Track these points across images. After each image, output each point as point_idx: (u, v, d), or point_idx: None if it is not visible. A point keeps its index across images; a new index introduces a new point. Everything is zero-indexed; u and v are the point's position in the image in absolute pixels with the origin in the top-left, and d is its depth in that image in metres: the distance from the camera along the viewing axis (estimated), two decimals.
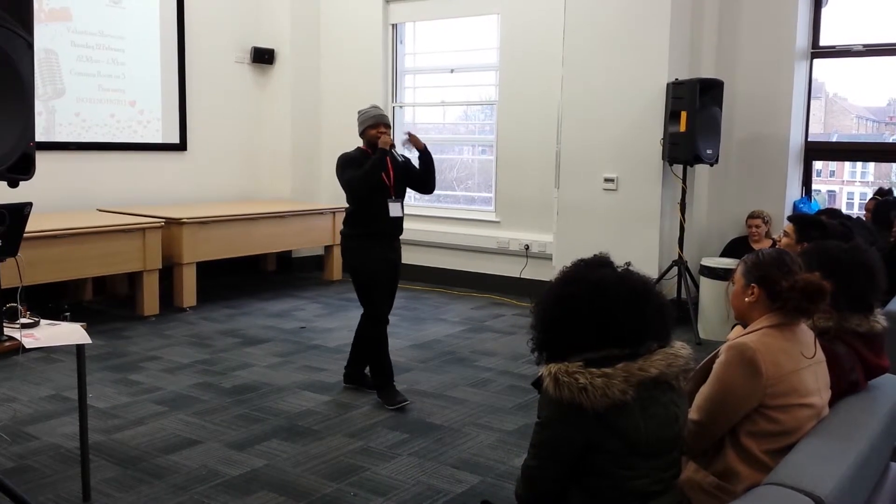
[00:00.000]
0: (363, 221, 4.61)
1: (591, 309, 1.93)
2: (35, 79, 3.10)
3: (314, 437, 4.11)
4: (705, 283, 6.23)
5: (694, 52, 6.72)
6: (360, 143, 4.68)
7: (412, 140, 4.70)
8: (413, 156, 4.80)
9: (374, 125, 4.59)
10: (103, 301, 7.12)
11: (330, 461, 3.80)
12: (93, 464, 3.52)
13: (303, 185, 8.70)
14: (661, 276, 6.37)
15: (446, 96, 8.59)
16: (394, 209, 4.62)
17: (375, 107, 4.74)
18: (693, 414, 2.27)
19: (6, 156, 2.91)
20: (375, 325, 4.65)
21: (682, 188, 6.42)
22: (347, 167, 4.55)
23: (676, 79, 6.33)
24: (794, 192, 6.87)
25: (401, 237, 4.75)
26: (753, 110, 6.75)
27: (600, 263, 2.04)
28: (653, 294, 1.99)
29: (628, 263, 2.05)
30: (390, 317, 6.82)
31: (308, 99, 8.77)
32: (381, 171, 4.53)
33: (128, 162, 7.66)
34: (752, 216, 6.52)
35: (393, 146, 4.60)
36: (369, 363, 4.72)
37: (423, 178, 4.75)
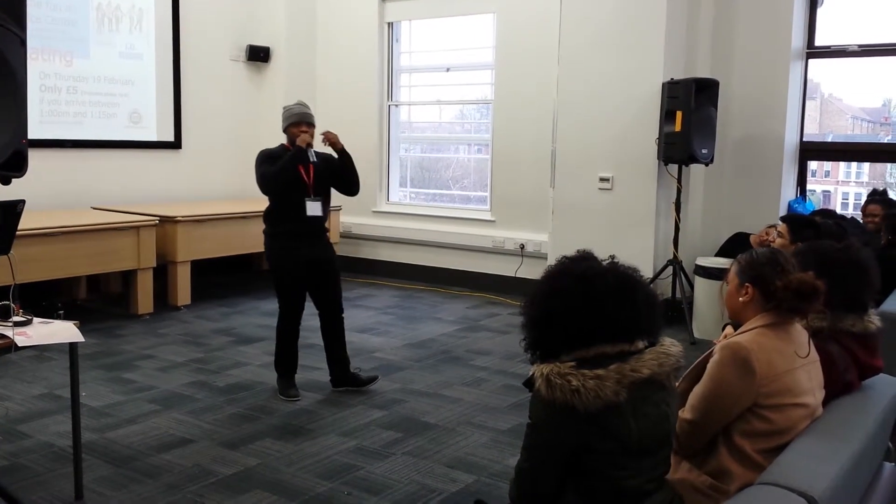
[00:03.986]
0: (282, 220, 4.63)
1: (581, 300, 1.92)
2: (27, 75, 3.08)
3: (308, 436, 4.10)
4: (700, 283, 6.23)
5: (689, 52, 6.73)
6: (283, 139, 4.71)
7: (329, 138, 4.61)
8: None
9: (296, 123, 4.61)
10: (97, 299, 7.10)
11: (323, 460, 3.79)
12: (85, 462, 3.50)
13: None
14: (656, 276, 6.37)
15: (442, 95, 8.58)
16: (312, 208, 4.61)
17: (301, 104, 4.73)
18: (687, 413, 2.27)
19: None
20: (289, 322, 4.72)
21: (678, 188, 6.42)
22: (264, 162, 4.58)
23: (672, 78, 6.33)
24: (788, 192, 6.88)
25: (328, 234, 4.84)
26: (749, 110, 6.77)
27: (584, 258, 2.04)
28: (640, 283, 1.99)
29: (612, 257, 2.04)
30: (384, 315, 6.83)
31: (303, 97, 8.57)
32: (293, 169, 4.54)
33: (122, 160, 7.64)
34: (771, 225, 6.48)
35: (310, 146, 4.60)
36: (275, 352, 4.79)
37: (344, 178, 4.74)
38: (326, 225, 4.83)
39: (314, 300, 4.78)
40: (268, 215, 4.70)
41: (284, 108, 4.74)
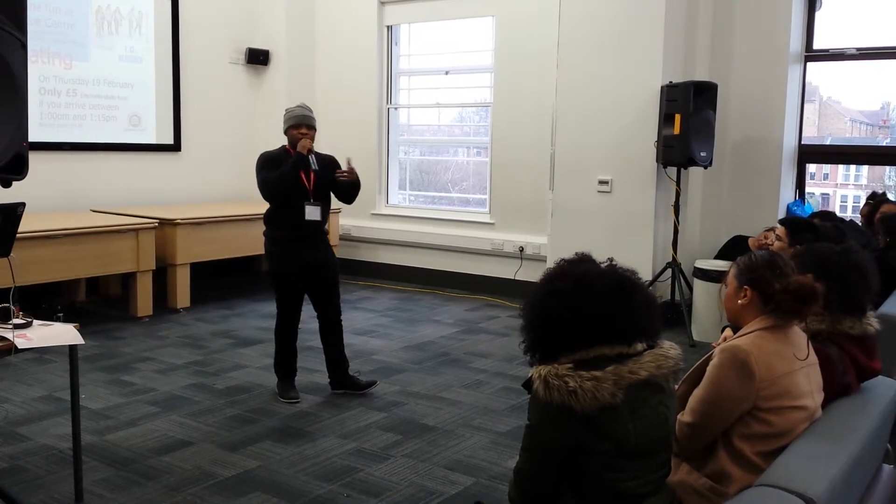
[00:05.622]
0: (281, 223, 4.63)
1: (579, 302, 1.93)
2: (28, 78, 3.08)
3: (307, 438, 4.10)
4: (699, 286, 6.24)
5: (688, 55, 6.74)
6: (285, 140, 4.71)
7: (350, 173, 4.63)
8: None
9: (297, 126, 4.60)
10: (96, 302, 7.11)
11: (323, 462, 3.80)
12: (85, 465, 3.50)
13: None
14: (655, 278, 6.38)
15: (441, 98, 8.59)
16: (311, 212, 4.61)
17: (302, 106, 4.73)
18: (686, 416, 2.27)
19: None
20: (287, 325, 4.73)
21: (676, 191, 6.43)
22: (265, 167, 4.57)
23: (670, 81, 6.34)
24: (787, 194, 6.89)
25: (328, 237, 4.84)
26: (747, 113, 6.78)
27: (583, 260, 2.05)
28: (638, 286, 2.00)
29: (611, 259, 2.05)
30: (383, 317, 6.84)
31: (303, 100, 8.67)
32: (296, 175, 4.54)
33: (122, 162, 7.64)
34: (769, 229, 6.50)
35: (311, 151, 4.58)
36: (274, 355, 4.80)
37: (345, 193, 4.77)
38: (326, 228, 4.83)
39: (313, 303, 4.79)
40: (268, 218, 4.71)
41: (286, 110, 4.74)
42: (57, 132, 7.12)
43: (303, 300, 4.76)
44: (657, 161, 6.43)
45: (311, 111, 4.72)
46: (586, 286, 1.94)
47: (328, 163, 4.73)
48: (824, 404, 2.33)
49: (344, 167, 4.68)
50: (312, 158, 4.61)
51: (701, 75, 6.66)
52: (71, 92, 7.22)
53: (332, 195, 4.81)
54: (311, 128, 4.65)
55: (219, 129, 8.42)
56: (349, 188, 4.73)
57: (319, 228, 4.72)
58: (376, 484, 3.57)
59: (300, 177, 4.58)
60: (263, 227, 4.74)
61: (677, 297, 6.36)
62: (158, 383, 4.95)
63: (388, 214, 8.60)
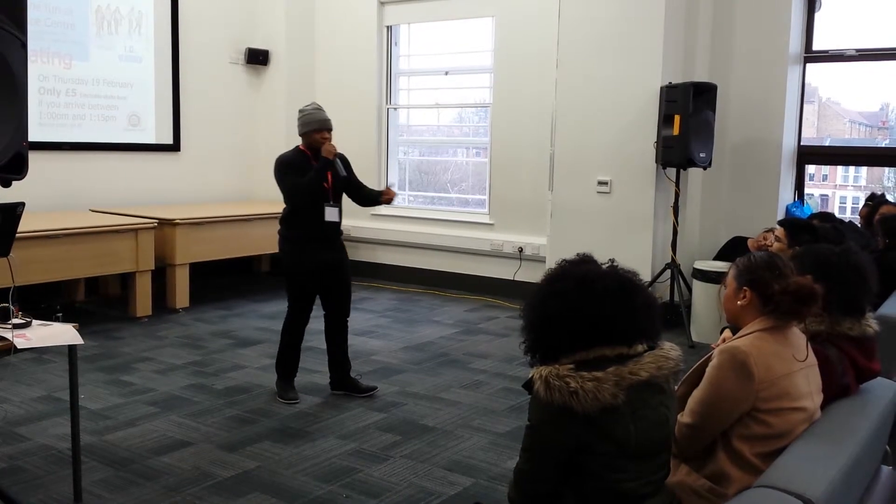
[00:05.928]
0: (299, 224, 4.64)
1: (580, 303, 1.93)
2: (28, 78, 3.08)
3: (306, 438, 4.10)
4: (698, 287, 6.24)
5: (688, 56, 6.75)
6: (299, 141, 4.70)
7: (389, 195, 4.81)
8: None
9: (319, 129, 4.59)
10: (96, 302, 7.10)
11: (322, 463, 3.80)
12: (84, 465, 3.50)
13: None
14: (655, 279, 6.38)
15: (440, 98, 8.59)
16: (330, 213, 4.63)
17: (319, 108, 4.71)
18: (686, 417, 2.27)
19: None
20: (296, 325, 4.74)
21: (676, 191, 6.43)
22: (289, 171, 4.56)
23: (670, 82, 6.34)
24: (786, 195, 6.89)
25: (343, 237, 4.87)
26: (747, 114, 6.78)
27: (584, 261, 2.05)
28: (640, 287, 2.00)
29: (612, 260, 2.05)
30: (382, 318, 6.83)
31: (302, 100, 8.59)
32: (323, 180, 4.55)
33: (121, 162, 7.64)
34: (769, 230, 6.51)
35: (336, 156, 4.58)
36: (278, 353, 4.81)
37: (366, 201, 4.91)
38: (342, 228, 4.84)
39: (323, 302, 4.79)
40: (285, 218, 4.70)
41: (301, 111, 4.68)
42: (56, 132, 7.12)
43: (314, 301, 4.76)
44: (656, 162, 6.43)
45: (325, 111, 4.72)
46: (588, 287, 1.94)
47: (343, 162, 4.74)
48: (823, 406, 2.33)
49: (383, 190, 4.88)
50: (339, 164, 4.61)
51: (700, 76, 6.66)
52: (70, 92, 7.22)
53: (400, 192, 4.86)
54: (331, 131, 4.66)
55: (218, 129, 8.42)
56: (372, 203, 4.92)
57: (337, 229, 4.75)
58: (375, 485, 3.57)
59: None
60: (279, 227, 4.74)
61: (676, 298, 6.36)
62: (157, 383, 4.94)
63: (387, 215, 8.59)
